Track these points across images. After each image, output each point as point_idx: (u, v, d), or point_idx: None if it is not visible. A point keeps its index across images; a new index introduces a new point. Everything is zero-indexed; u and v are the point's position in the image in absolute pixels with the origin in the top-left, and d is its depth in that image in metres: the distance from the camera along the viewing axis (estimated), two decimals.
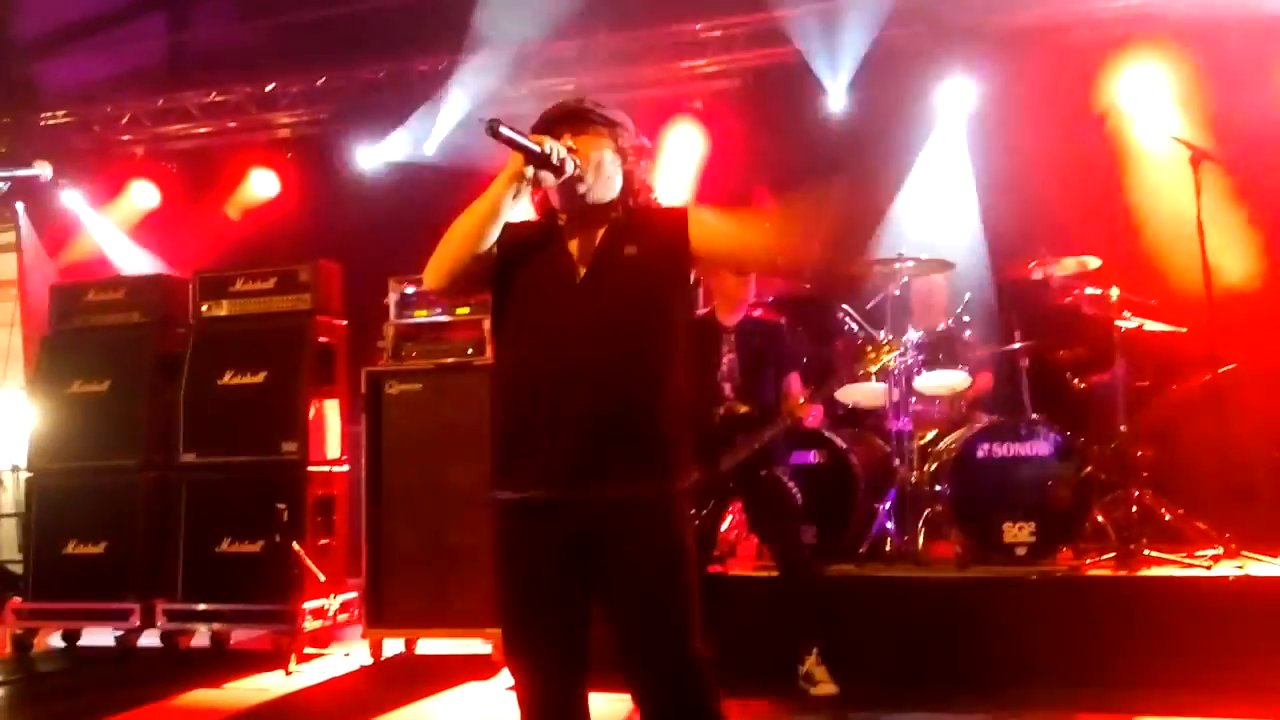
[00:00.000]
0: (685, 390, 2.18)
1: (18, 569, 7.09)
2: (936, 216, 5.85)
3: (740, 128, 6.37)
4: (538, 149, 2.04)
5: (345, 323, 5.53)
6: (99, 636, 5.44)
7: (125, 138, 7.51)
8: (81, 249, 7.47)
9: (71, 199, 7.24)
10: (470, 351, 5.03)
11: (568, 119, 2.18)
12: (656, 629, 2.05)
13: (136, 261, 7.19)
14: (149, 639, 5.29)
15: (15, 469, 7.65)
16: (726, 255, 2.41)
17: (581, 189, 2.13)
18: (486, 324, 5.02)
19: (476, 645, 4.94)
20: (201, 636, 5.24)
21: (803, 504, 4.12)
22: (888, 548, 4.63)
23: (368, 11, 6.99)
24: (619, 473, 2.04)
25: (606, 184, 2.17)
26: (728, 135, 6.38)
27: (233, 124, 7.27)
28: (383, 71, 6.86)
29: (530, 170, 2.06)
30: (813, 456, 4.60)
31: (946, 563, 4.53)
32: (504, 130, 2.00)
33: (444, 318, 5.15)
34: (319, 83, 7.04)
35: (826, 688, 3.80)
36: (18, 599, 5.50)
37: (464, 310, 5.10)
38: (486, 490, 4.69)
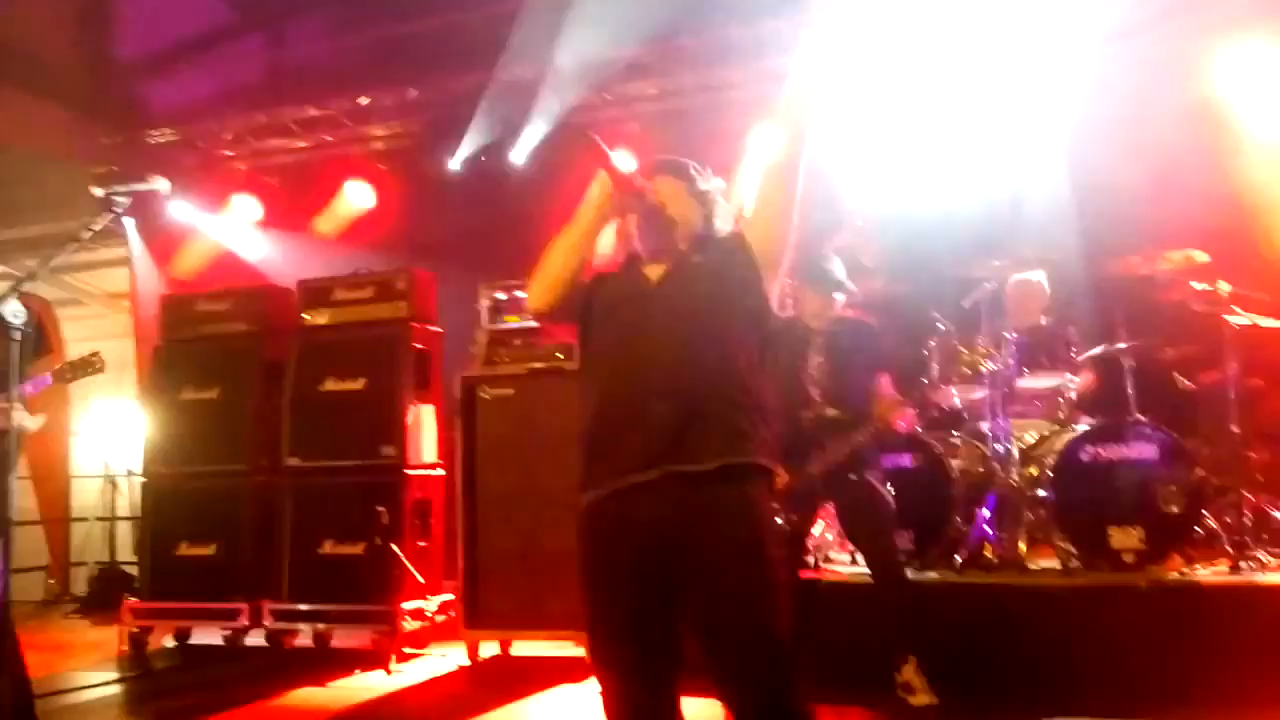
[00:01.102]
0: (762, 386, 2.22)
1: (133, 570, 7.46)
2: (1032, 212, 5.69)
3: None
4: (622, 170, 2.24)
5: (440, 329, 5.65)
6: (209, 635, 5.63)
7: (228, 153, 7.78)
8: (189, 262, 7.77)
9: (179, 213, 7.53)
10: (560, 356, 5.09)
11: (652, 168, 2.38)
12: (741, 624, 2.04)
13: (241, 273, 7.44)
14: (255, 638, 5.45)
15: (130, 474, 8.02)
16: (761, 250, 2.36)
17: (661, 220, 2.28)
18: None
19: (570, 648, 4.99)
20: (305, 636, 5.41)
21: (898, 509, 4.03)
22: (987, 554, 4.52)
23: (455, 25, 7.12)
24: (698, 449, 2.09)
25: (683, 221, 2.33)
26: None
27: (329, 138, 7.47)
28: (471, 82, 6.97)
29: (616, 190, 2.25)
30: (908, 460, 4.53)
31: (1050, 570, 4.41)
32: (599, 149, 2.22)
33: (535, 323, 5.21)
34: (410, 96, 7.20)
35: (925, 697, 3.72)
36: (134, 599, 5.75)
37: (530, 303, 5.15)
38: (577, 495, 4.76)
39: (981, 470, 4.65)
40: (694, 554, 2.06)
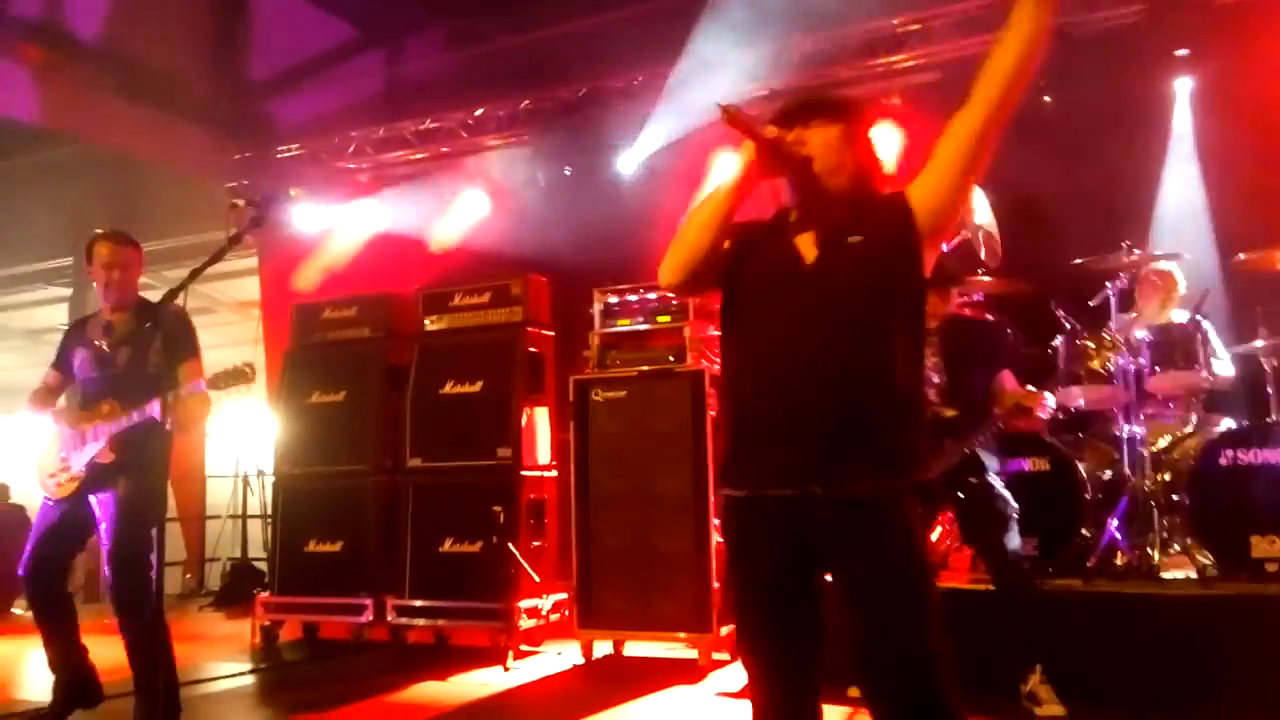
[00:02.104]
0: (918, 385, 2.13)
1: (263, 566, 7.79)
2: (1161, 205, 5.45)
3: (941, 121, 6.15)
4: (769, 134, 2.10)
5: (553, 333, 5.74)
6: (336, 629, 5.83)
7: (350, 165, 8.08)
8: (315, 270, 8.09)
9: (306, 224, 7.84)
10: (672, 359, 5.12)
11: (797, 113, 2.17)
12: (894, 628, 1.99)
13: (365, 280, 7.70)
14: (378, 632, 5.60)
15: (261, 474, 8.39)
16: (948, 178, 2.11)
17: (810, 178, 2.13)
18: (687, 331, 5.10)
19: (682, 650, 5.00)
20: (425, 631, 5.56)
21: (1023, 514, 3.90)
22: (1118, 562, 4.34)
23: (564, 35, 7.25)
24: (850, 471, 2.00)
25: (836, 171, 2.15)
26: (928, 130, 6.17)
27: (445, 148, 7.69)
28: (582, 90, 7.07)
29: (757, 158, 2.10)
30: (1034, 464, 4.38)
31: (1186, 579, 4.20)
32: (736, 112, 2.06)
33: (646, 326, 5.26)
34: (522, 105, 7.34)
35: (1053, 708, 3.60)
36: (265, 593, 6.01)
37: (665, 318, 5.21)
38: (690, 496, 4.75)
39: (1111, 474, 4.47)
40: (846, 555, 2.02)
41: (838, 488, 2.00)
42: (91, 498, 3.78)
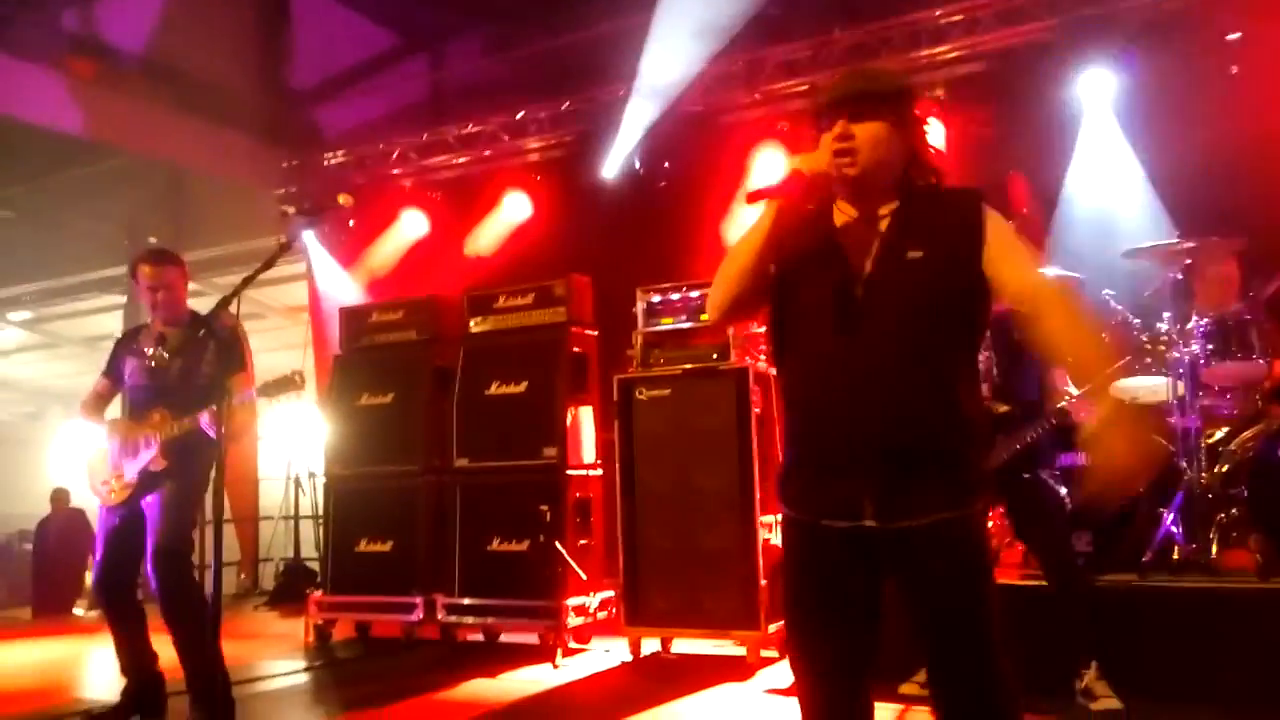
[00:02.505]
0: (980, 404, 2.09)
1: (315, 565, 7.91)
2: (1218, 190, 5.33)
3: (986, 113, 6.09)
4: (799, 183, 2.04)
5: (596, 332, 5.76)
6: (387, 627, 5.88)
7: (395, 171, 8.18)
8: (362, 274, 8.21)
9: (352, 229, 7.96)
10: (715, 356, 5.11)
11: (842, 104, 2.07)
12: (958, 646, 1.97)
13: (411, 283, 7.80)
14: (429, 630, 5.65)
15: (312, 475, 8.52)
16: (1009, 291, 2.02)
17: (855, 186, 2.07)
18: (731, 330, 5.09)
19: (729, 647, 4.99)
20: (474, 629, 5.60)
21: (1077, 509, 3.85)
22: (1175, 556, 4.25)
23: (602, 36, 7.28)
24: (909, 504, 1.95)
25: (884, 165, 2.05)
26: (973, 122, 6.11)
27: (488, 152, 7.75)
28: (621, 90, 7.09)
29: (790, 201, 2.06)
30: (1086, 458, 4.30)
31: (1243, 573, 4.11)
32: (755, 194, 2.07)
33: (689, 324, 5.26)
34: (563, 107, 7.39)
35: (1109, 703, 3.54)
36: (319, 592, 6.10)
37: (707, 316, 5.19)
38: (735, 494, 4.73)
39: (1167, 468, 4.38)
40: (910, 575, 2.00)
41: (897, 521, 1.96)
42: (143, 502, 3.89)
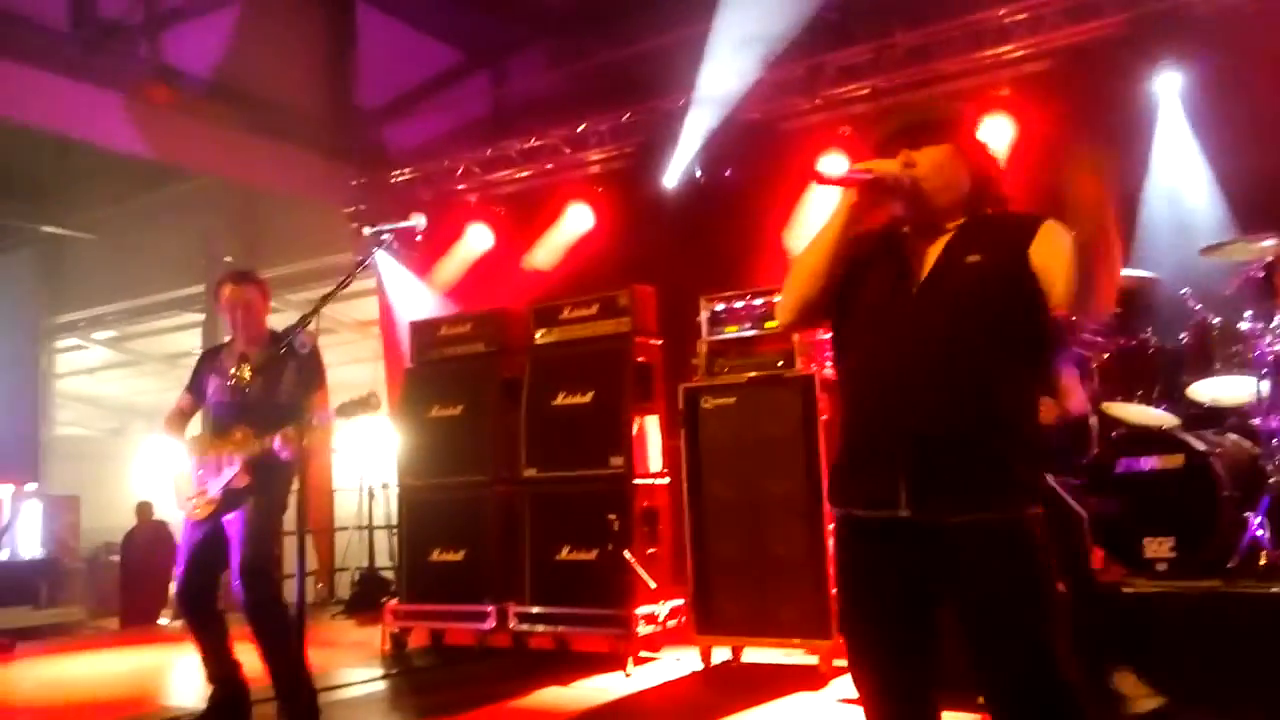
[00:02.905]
0: (1030, 408, 2.06)
1: (390, 574, 8.06)
2: None
3: (1052, 112, 5.98)
4: (866, 177, 2.07)
5: (661, 342, 5.79)
6: (461, 635, 5.96)
7: (460, 186, 8.31)
8: (431, 289, 8.35)
9: (420, 245, 8.09)
10: (780, 364, 5.09)
11: (902, 135, 2.14)
12: (1017, 656, 1.94)
13: (478, 296, 7.91)
14: (501, 639, 5.71)
15: (385, 486, 8.69)
16: (1052, 294, 2.03)
17: (921, 198, 2.10)
18: (796, 336, 5.07)
19: (801, 656, 4.97)
20: (545, 637, 5.66)
21: (1157, 513, 3.76)
22: (1262, 561, 4.13)
23: (661, 47, 7.33)
24: (959, 499, 1.95)
25: (948, 188, 2.11)
26: (1038, 121, 6.01)
27: (550, 165, 7.84)
28: (682, 100, 7.12)
29: (861, 197, 2.09)
30: (1165, 461, 4.20)
31: None
32: (827, 174, 2.10)
33: (753, 332, 5.26)
34: (624, 118, 7.43)
35: (1147, 702, 3.49)
36: (394, 601, 6.21)
37: (773, 324, 5.19)
38: (803, 501, 4.72)
39: (1252, 470, 4.25)
40: (962, 582, 1.98)
41: (939, 516, 1.96)
42: (225, 518, 4.02)
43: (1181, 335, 4.53)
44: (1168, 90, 5.70)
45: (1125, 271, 4.35)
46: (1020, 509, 1.97)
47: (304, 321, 3.35)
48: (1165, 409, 4.46)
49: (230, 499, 4.00)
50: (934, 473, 1.96)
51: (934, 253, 2.10)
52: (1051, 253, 2.01)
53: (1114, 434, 4.37)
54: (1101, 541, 4.19)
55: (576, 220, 7.70)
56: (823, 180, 2.11)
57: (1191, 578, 4.03)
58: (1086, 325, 4.06)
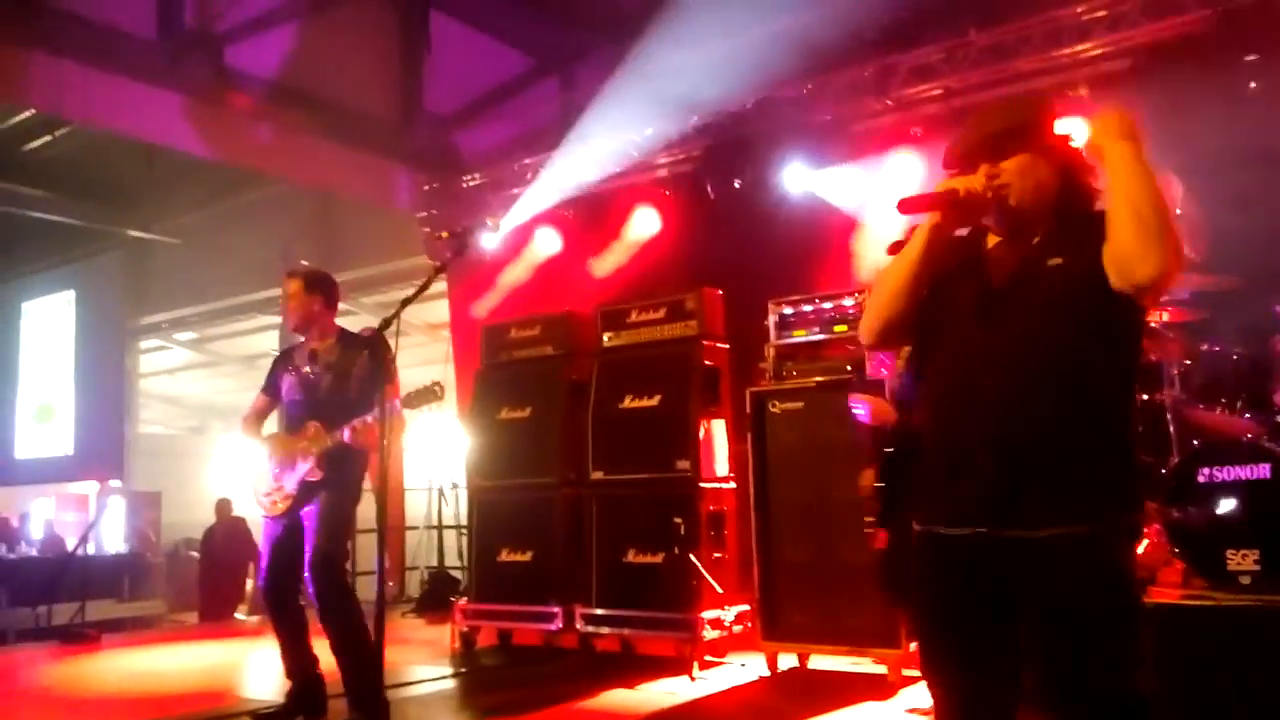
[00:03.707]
0: (1121, 414, 1.98)
1: (458, 574, 8.18)
2: None
3: (1133, 111, 5.80)
4: (950, 199, 2.03)
5: (728, 346, 5.77)
6: (528, 635, 6.02)
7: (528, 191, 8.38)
8: (501, 292, 8.44)
9: (492, 249, 8.19)
10: (849, 368, 5.05)
11: (980, 151, 2.08)
12: (1089, 671, 1.88)
13: (547, 299, 7.98)
14: (568, 639, 5.75)
15: (455, 486, 8.82)
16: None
17: (1007, 211, 2.05)
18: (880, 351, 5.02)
19: (869, 665, 4.91)
20: (611, 639, 5.68)
21: (1244, 524, 3.64)
22: None
23: (729, 49, 7.29)
24: (1037, 512, 1.89)
25: (1036, 196, 2.05)
26: None
27: (617, 169, 7.87)
28: (749, 103, 7.10)
29: (945, 219, 2.06)
30: (1252, 471, 4.06)
31: None
32: (907, 201, 2.07)
33: (821, 336, 5.23)
34: (691, 122, 7.43)
35: None
36: (463, 600, 6.30)
37: (842, 328, 5.15)
38: (873, 508, 4.65)
39: None
40: (1038, 596, 1.92)
41: (1015, 531, 1.90)
42: (302, 512, 4.12)
43: (1267, 342, 4.38)
44: (1251, 85, 5.51)
45: (1210, 276, 4.23)
46: (1111, 520, 1.92)
47: (386, 324, 3.44)
48: (1249, 418, 4.31)
49: (306, 493, 4.11)
50: (1022, 485, 1.90)
51: (1016, 258, 2.06)
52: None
53: (1196, 442, 4.25)
54: (1182, 554, 4.07)
55: (644, 224, 7.72)
56: (906, 209, 2.07)
57: (1276, 592, 3.88)
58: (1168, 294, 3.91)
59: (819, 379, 5.13)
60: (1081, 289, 1.95)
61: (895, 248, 2.11)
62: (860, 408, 4.00)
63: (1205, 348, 4.43)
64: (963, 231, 2.17)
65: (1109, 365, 1.97)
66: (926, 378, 2.16)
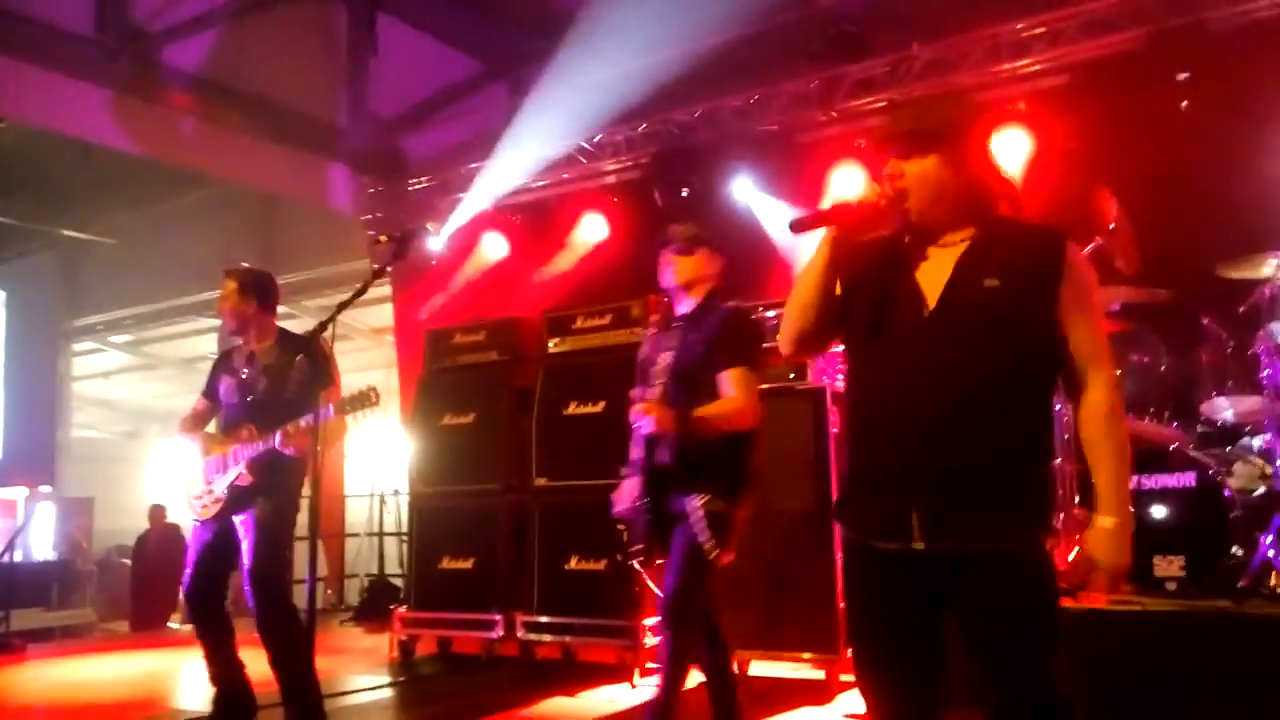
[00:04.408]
0: (1044, 434, 2.05)
1: (399, 582, 8.07)
2: None
3: (1069, 126, 5.95)
4: (843, 213, 2.06)
5: None
6: (468, 643, 5.95)
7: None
8: (445, 298, 8.37)
9: (436, 253, 8.12)
10: (792, 376, 5.09)
11: (891, 141, 2.09)
12: (1013, 674, 1.96)
13: (492, 305, 7.93)
14: (508, 648, 5.70)
15: (396, 492, 8.71)
16: (1069, 343, 2.01)
17: (907, 216, 2.06)
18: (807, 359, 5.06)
19: (808, 670, 4.94)
20: (553, 647, 5.65)
21: (1168, 532, 3.74)
22: (1272, 582, 4.09)
23: (677, 58, 7.33)
24: (963, 526, 1.94)
25: (937, 202, 2.04)
26: (1056, 135, 5.98)
27: (565, 175, 7.86)
28: (697, 112, 7.14)
29: (840, 230, 2.08)
30: (1177, 480, 4.18)
31: None
32: (798, 222, 2.09)
33: (766, 344, 5.24)
34: (639, 129, 7.45)
35: None
36: (403, 608, 6.22)
37: (781, 350, 5.17)
38: (812, 514, 4.68)
39: (1263, 490, 4.22)
40: (965, 602, 1.99)
41: (945, 542, 1.95)
42: (235, 518, 4.03)
43: (1194, 353, 4.50)
44: (1183, 104, 5.67)
45: (1140, 289, 4.33)
46: (1031, 534, 1.99)
47: (322, 327, 3.38)
48: (1177, 427, 4.43)
49: (236, 498, 4.01)
50: (948, 505, 1.94)
51: (943, 270, 2.05)
52: (1081, 304, 2.01)
53: None
54: None
55: (591, 230, 7.72)
56: (799, 229, 2.09)
57: (1201, 598, 3.99)
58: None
59: (762, 386, 5.14)
60: (1018, 317, 1.98)
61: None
62: (642, 421, 3.88)
63: (1135, 358, 4.54)
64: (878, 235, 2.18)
65: (1037, 382, 2.03)
66: (857, 389, 2.17)
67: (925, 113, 2.14)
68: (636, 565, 3.51)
